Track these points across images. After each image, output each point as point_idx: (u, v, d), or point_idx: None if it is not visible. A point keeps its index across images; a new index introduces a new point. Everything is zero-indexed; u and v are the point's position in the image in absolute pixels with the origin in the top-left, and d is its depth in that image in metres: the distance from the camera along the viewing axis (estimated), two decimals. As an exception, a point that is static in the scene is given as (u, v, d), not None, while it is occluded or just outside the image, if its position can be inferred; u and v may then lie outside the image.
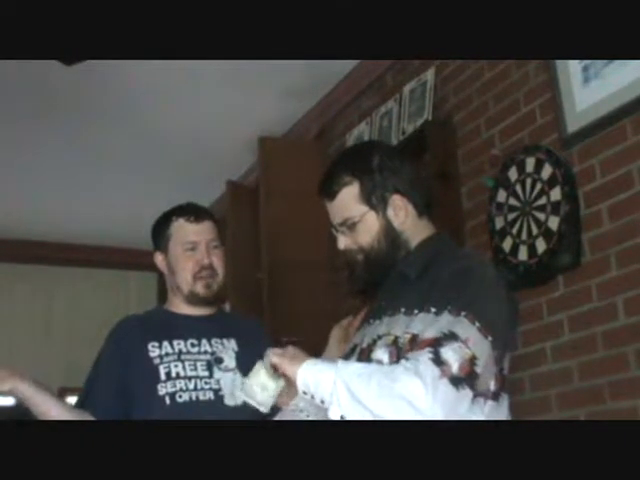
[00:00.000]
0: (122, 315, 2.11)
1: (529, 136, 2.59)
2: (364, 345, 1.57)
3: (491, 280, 1.49)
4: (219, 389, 1.94)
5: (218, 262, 2.04)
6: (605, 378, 2.22)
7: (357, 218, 1.58)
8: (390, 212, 1.58)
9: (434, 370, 1.31)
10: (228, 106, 3.82)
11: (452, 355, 1.33)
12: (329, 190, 1.61)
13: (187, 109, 3.85)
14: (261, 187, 3.85)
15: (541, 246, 2.42)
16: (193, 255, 2.01)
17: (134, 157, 4.35)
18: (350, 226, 1.59)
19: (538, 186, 2.47)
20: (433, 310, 1.42)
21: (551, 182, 2.42)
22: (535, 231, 2.46)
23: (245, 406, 1.91)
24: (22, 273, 5.46)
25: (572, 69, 2.40)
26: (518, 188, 2.55)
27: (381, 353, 1.48)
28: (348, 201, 1.59)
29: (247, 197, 4.32)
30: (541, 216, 2.44)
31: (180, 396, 1.91)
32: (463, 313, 1.38)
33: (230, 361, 1.99)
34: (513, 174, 2.58)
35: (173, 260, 2.04)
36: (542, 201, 2.45)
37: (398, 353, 1.45)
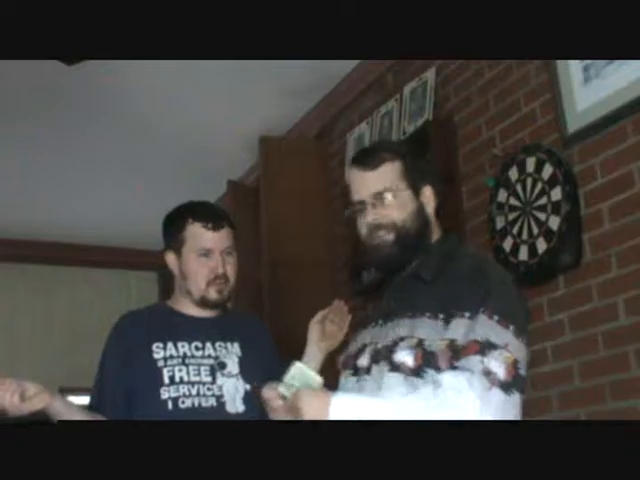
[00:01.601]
0: (122, 315, 2.10)
1: (530, 136, 2.58)
2: (379, 346, 1.56)
3: (506, 279, 1.53)
4: (221, 395, 1.93)
5: (231, 270, 2.02)
6: (606, 378, 2.22)
7: (396, 191, 1.58)
8: (423, 199, 1.61)
9: (484, 382, 1.34)
10: (229, 106, 3.82)
11: (495, 362, 1.36)
12: (371, 160, 1.61)
13: (187, 109, 3.84)
14: (262, 187, 3.85)
15: (542, 246, 2.42)
16: (207, 262, 1.98)
17: (134, 157, 4.34)
18: (385, 198, 1.58)
19: (539, 186, 2.47)
20: (467, 315, 1.43)
21: (552, 182, 2.42)
22: (536, 231, 2.45)
23: (246, 414, 1.92)
24: (22, 273, 5.45)
25: (572, 69, 2.40)
26: (519, 188, 2.55)
27: (404, 355, 1.48)
28: (390, 173, 1.60)
29: (248, 197, 4.32)
30: (542, 216, 2.44)
31: (183, 402, 1.90)
32: (496, 318, 1.41)
33: (233, 366, 1.98)
34: (514, 174, 2.58)
35: (186, 265, 2.01)
36: (543, 201, 2.45)
37: (423, 355, 1.46)
